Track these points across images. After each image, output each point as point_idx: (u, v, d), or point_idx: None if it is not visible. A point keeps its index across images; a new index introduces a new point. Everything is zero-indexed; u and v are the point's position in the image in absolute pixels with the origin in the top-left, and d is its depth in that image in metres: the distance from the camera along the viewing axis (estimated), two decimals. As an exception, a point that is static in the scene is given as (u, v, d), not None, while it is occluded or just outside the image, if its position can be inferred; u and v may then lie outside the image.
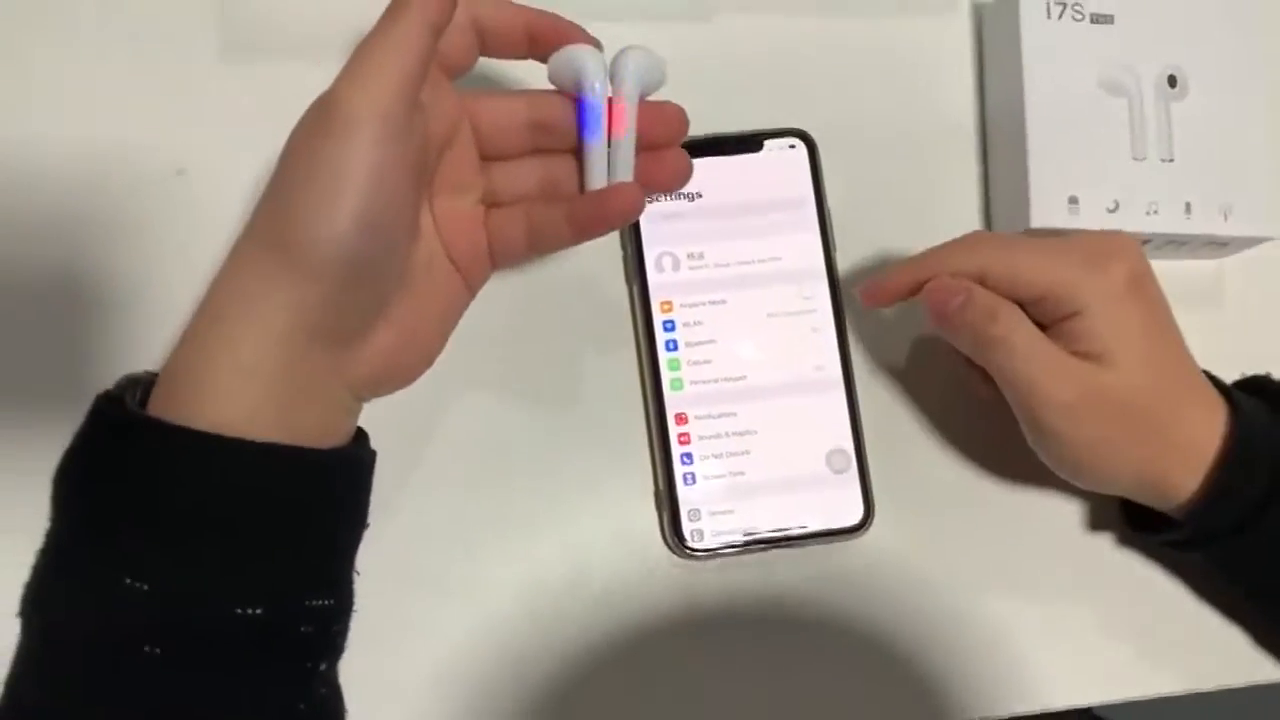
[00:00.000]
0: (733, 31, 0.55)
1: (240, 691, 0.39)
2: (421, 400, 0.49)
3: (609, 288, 0.51)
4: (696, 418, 0.50)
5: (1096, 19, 0.54)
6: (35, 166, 0.48)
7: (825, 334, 0.51)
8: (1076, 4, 0.53)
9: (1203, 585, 0.52)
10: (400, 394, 0.48)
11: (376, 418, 0.45)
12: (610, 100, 0.43)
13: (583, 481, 0.50)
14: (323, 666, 0.41)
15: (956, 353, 0.49)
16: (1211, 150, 0.54)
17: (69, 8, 0.50)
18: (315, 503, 0.40)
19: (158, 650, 0.37)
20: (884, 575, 0.51)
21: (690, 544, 0.48)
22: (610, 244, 0.52)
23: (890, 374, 0.53)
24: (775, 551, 0.49)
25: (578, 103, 0.43)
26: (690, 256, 0.51)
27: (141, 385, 0.41)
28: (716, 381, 0.50)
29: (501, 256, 0.45)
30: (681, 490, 0.49)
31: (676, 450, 0.49)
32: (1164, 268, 0.55)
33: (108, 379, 0.43)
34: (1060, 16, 0.53)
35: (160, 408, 0.39)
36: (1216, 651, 0.52)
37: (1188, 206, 0.53)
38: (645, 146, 0.44)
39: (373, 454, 0.44)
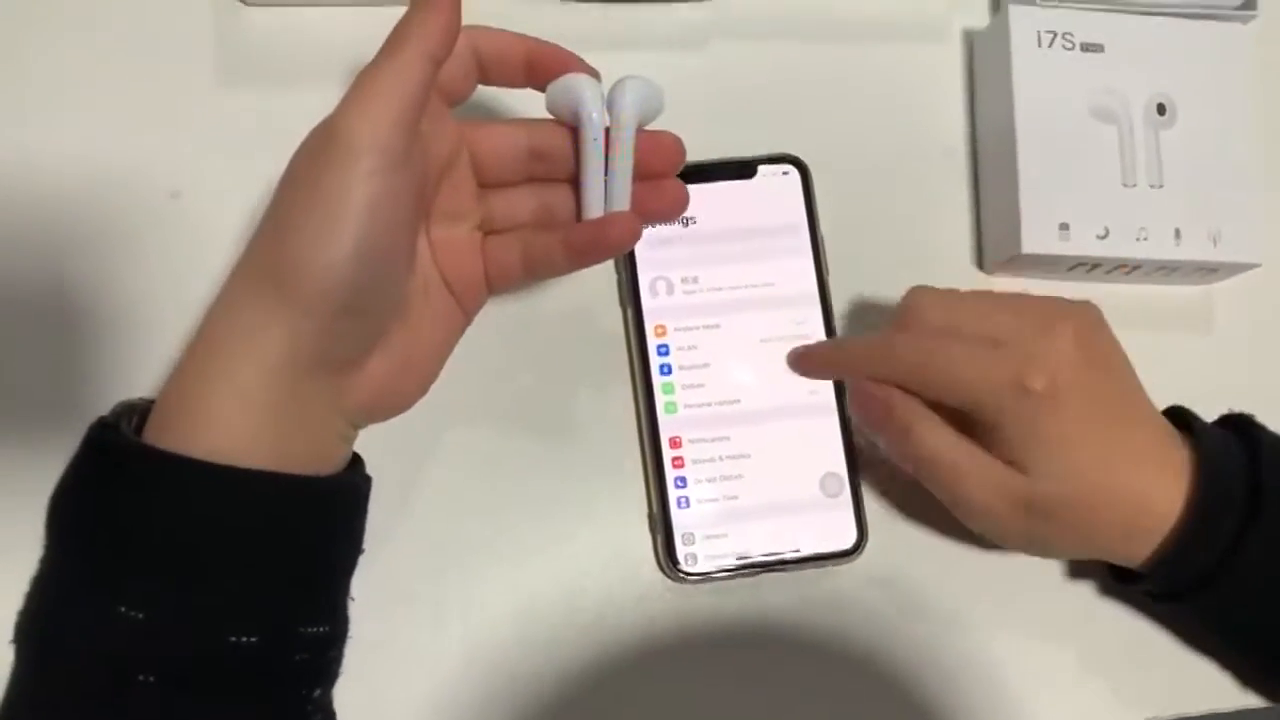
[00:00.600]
0: (726, 59, 0.56)
1: (234, 718, 0.39)
2: (415, 424, 0.49)
3: (603, 312, 0.52)
4: (690, 441, 0.50)
5: (1086, 48, 0.54)
6: (31, 187, 0.49)
7: (818, 358, 0.51)
8: (1067, 33, 0.54)
9: (1181, 621, 0.52)
10: (395, 419, 0.48)
11: (372, 443, 0.45)
12: (608, 129, 0.43)
13: (577, 505, 0.50)
14: (317, 693, 0.41)
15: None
16: (1200, 177, 0.54)
17: (66, 30, 0.50)
18: (311, 530, 0.40)
19: (152, 678, 0.37)
20: (876, 599, 0.51)
21: (684, 567, 0.49)
22: (605, 269, 0.52)
23: (883, 398, 0.53)
24: (768, 575, 0.50)
25: (575, 132, 0.43)
26: (684, 281, 0.51)
27: (137, 412, 0.41)
28: (710, 405, 0.50)
29: (498, 283, 0.45)
30: (675, 514, 0.49)
31: (670, 474, 0.49)
32: (1153, 293, 0.56)
33: (102, 400, 0.43)
34: (1051, 45, 0.54)
35: (156, 436, 0.39)
36: (1202, 680, 0.52)
37: (1177, 233, 0.53)
38: (642, 176, 0.44)
39: (368, 480, 0.44)
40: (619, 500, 0.50)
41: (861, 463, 0.51)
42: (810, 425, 0.51)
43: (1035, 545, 0.48)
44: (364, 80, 0.38)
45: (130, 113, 0.50)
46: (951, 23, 0.58)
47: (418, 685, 0.47)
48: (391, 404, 0.43)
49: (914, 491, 0.52)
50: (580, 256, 0.44)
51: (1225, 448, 0.46)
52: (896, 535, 0.51)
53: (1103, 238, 0.53)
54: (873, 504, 0.51)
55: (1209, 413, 0.49)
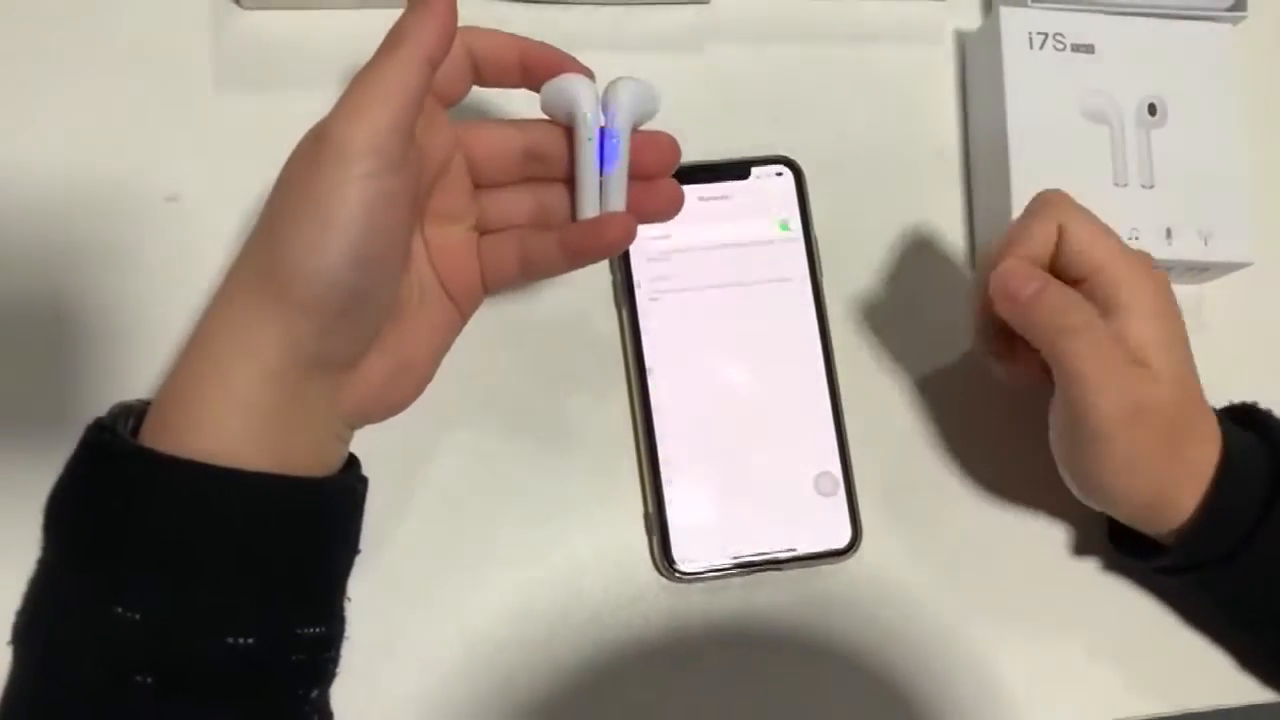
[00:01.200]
0: (721, 61, 0.56)
1: (231, 719, 0.39)
2: (412, 426, 0.49)
3: (599, 313, 0.52)
4: (685, 442, 0.50)
5: (1077, 49, 0.54)
6: (28, 191, 0.49)
7: (813, 358, 0.52)
8: (1058, 34, 0.54)
9: (1185, 608, 0.53)
10: (389, 421, 0.48)
11: (370, 445, 0.45)
12: (602, 130, 0.43)
13: (573, 506, 0.50)
14: (314, 694, 0.41)
15: (984, 336, 0.49)
16: (1191, 177, 0.54)
17: (63, 33, 0.50)
18: (307, 531, 0.40)
19: (149, 679, 0.37)
20: (871, 598, 0.51)
21: (680, 567, 0.49)
22: (600, 270, 0.52)
23: (877, 397, 0.53)
24: (764, 574, 0.50)
25: (570, 132, 0.43)
26: (679, 281, 0.51)
27: (134, 414, 0.41)
28: (705, 406, 0.50)
29: (494, 283, 0.45)
30: (671, 514, 0.49)
31: (666, 474, 0.49)
32: (1145, 293, 0.56)
33: (101, 402, 0.43)
34: (1042, 46, 0.54)
35: (152, 438, 0.39)
36: (1200, 674, 0.52)
37: (1168, 232, 0.54)
38: (637, 175, 0.44)
39: (364, 481, 0.44)
40: (615, 500, 0.50)
41: (855, 462, 0.51)
42: (804, 425, 0.51)
43: (1131, 462, 0.46)
44: (360, 84, 0.38)
45: (127, 116, 0.50)
46: (943, 24, 0.58)
47: (416, 685, 0.47)
48: (388, 405, 0.43)
49: (908, 490, 0.52)
50: (576, 257, 0.44)
51: (1240, 434, 0.48)
52: (891, 534, 0.51)
53: (1094, 237, 0.53)
54: (867, 503, 0.51)
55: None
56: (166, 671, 0.38)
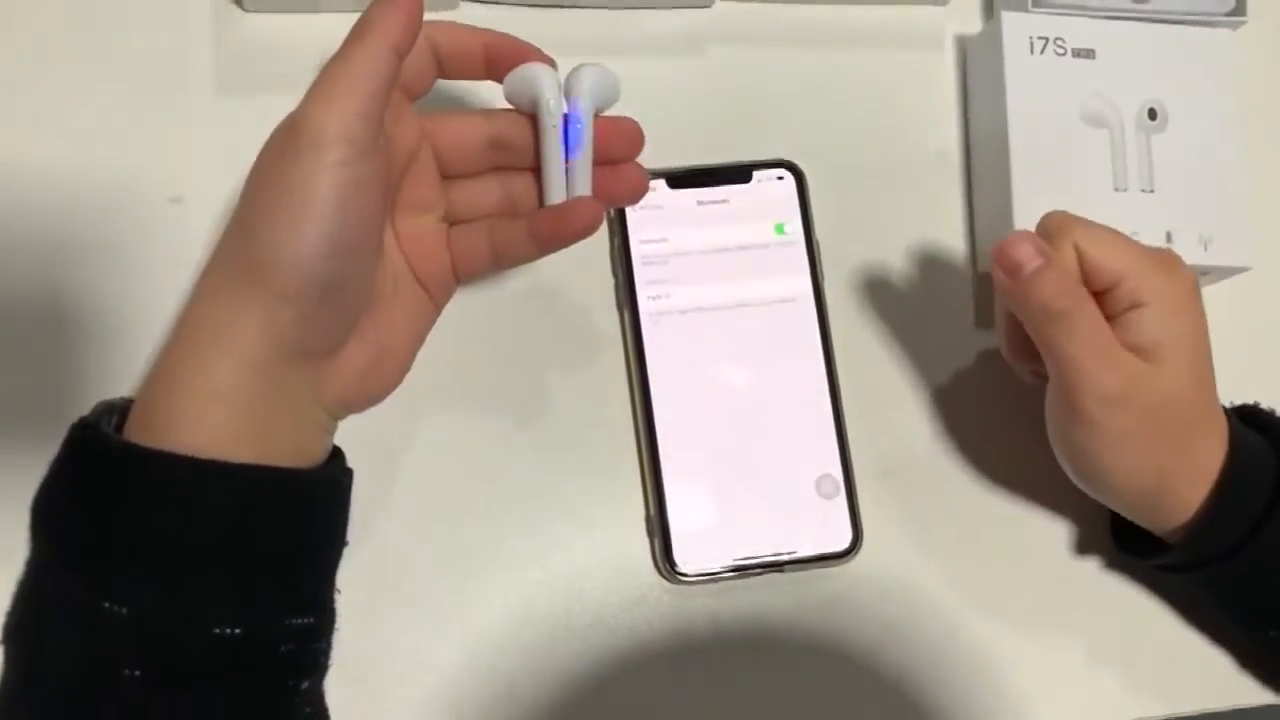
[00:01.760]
0: (722, 65, 0.56)
1: (222, 712, 0.39)
2: (413, 427, 0.49)
3: (600, 316, 0.52)
4: (687, 444, 0.50)
5: (1078, 53, 0.55)
6: (32, 193, 0.49)
7: (814, 361, 0.52)
8: (1059, 39, 0.54)
9: (1186, 609, 0.53)
10: (392, 422, 0.48)
11: (370, 448, 0.45)
12: (566, 116, 0.44)
13: (575, 508, 0.50)
14: (305, 685, 0.41)
15: (1010, 338, 0.49)
16: (1191, 181, 0.54)
17: (67, 38, 0.51)
18: (292, 522, 0.40)
19: (137, 673, 0.37)
20: (872, 600, 0.51)
21: (681, 570, 0.49)
22: (602, 274, 0.52)
23: (878, 399, 0.53)
24: (765, 577, 0.50)
25: (534, 120, 0.44)
26: (680, 284, 0.51)
27: (117, 411, 0.41)
28: (707, 409, 0.51)
29: (465, 273, 0.46)
30: (672, 516, 0.49)
31: (667, 476, 0.49)
32: (1146, 296, 0.57)
33: (101, 405, 0.43)
34: (1042, 51, 0.54)
35: (135, 434, 0.39)
36: (1200, 675, 0.53)
37: (1168, 236, 0.54)
38: (603, 161, 0.44)
39: (349, 473, 0.44)
40: (616, 503, 0.50)
41: (856, 464, 0.51)
42: (806, 427, 0.51)
43: (1124, 448, 0.46)
44: (329, 73, 0.39)
45: (130, 118, 0.50)
46: (944, 29, 0.58)
47: (418, 688, 0.47)
48: (369, 393, 0.44)
49: (909, 492, 0.52)
50: (545, 243, 0.44)
51: (1246, 433, 0.48)
52: (892, 536, 0.51)
53: (1095, 241, 0.53)
54: (868, 505, 0.51)
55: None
56: (155, 664, 0.38)
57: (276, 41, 0.52)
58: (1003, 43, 0.54)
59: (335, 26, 0.41)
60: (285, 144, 0.39)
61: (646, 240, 0.52)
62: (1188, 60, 0.56)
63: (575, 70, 0.44)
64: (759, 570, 0.49)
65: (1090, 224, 0.47)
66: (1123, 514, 0.49)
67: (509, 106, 0.45)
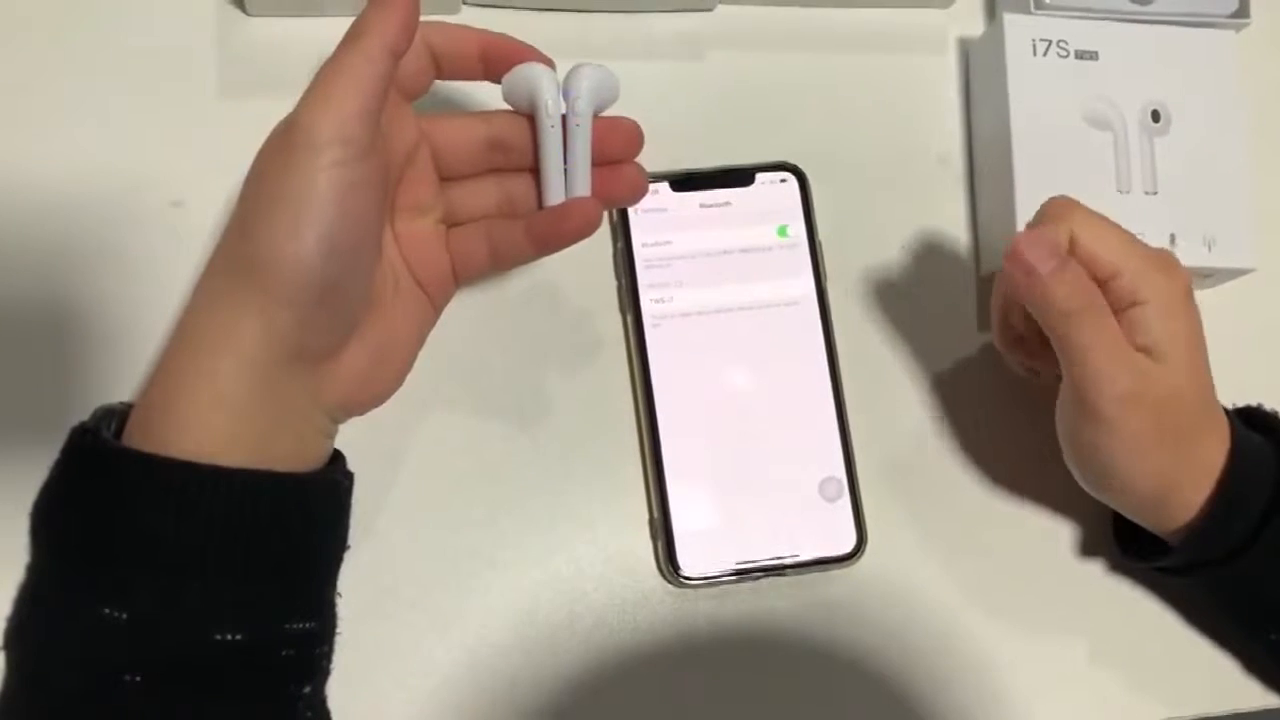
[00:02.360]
0: (725, 68, 0.56)
1: (223, 716, 0.39)
2: (416, 430, 0.49)
3: (603, 319, 0.52)
4: (690, 447, 0.50)
5: (1081, 55, 0.55)
6: (34, 196, 0.49)
7: (817, 363, 0.52)
8: (1061, 41, 0.54)
9: (1190, 612, 0.53)
10: (395, 425, 0.48)
11: (373, 451, 0.45)
12: (564, 117, 0.44)
13: (577, 510, 0.50)
14: (306, 690, 0.41)
15: (1003, 328, 0.49)
16: (1194, 183, 0.54)
17: (69, 41, 0.51)
18: (293, 527, 0.40)
19: (138, 678, 0.37)
20: (876, 603, 0.51)
21: (685, 572, 0.49)
22: (605, 277, 0.52)
23: (882, 402, 0.53)
24: (768, 580, 0.50)
25: (532, 121, 0.44)
26: (684, 287, 0.51)
27: (116, 416, 0.41)
28: (710, 411, 0.51)
29: (464, 275, 0.46)
30: (676, 519, 0.49)
31: (671, 479, 0.49)
32: (1149, 298, 0.57)
33: (105, 410, 0.43)
34: (1045, 53, 0.54)
35: (135, 439, 0.39)
36: (1203, 678, 0.53)
37: (1172, 238, 0.54)
38: (601, 161, 0.44)
39: (350, 476, 0.44)
40: (619, 505, 0.50)
41: (860, 467, 0.51)
42: (809, 430, 0.51)
43: (1133, 447, 0.46)
44: (325, 74, 0.39)
45: (133, 121, 0.50)
46: (947, 32, 0.58)
47: (420, 691, 0.47)
48: (369, 397, 0.44)
49: (913, 495, 0.52)
50: (544, 243, 0.44)
51: (1248, 434, 0.48)
52: (896, 539, 0.51)
53: (1098, 243, 0.53)
54: (872, 508, 0.51)
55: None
56: (155, 670, 0.38)
57: (279, 44, 0.52)
58: (1005, 45, 0.54)
59: (338, 29, 0.41)
60: (282, 146, 0.39)
61: (649, 243, 0.52)
62: (1191, 62, 0.55)
63: (574, 70, 0.44)
64: (762, 573, 0.49)
65: (1090, 213, 0.47)
66: (1127, 515, 0.49)
67: (507, 107, 0.45)
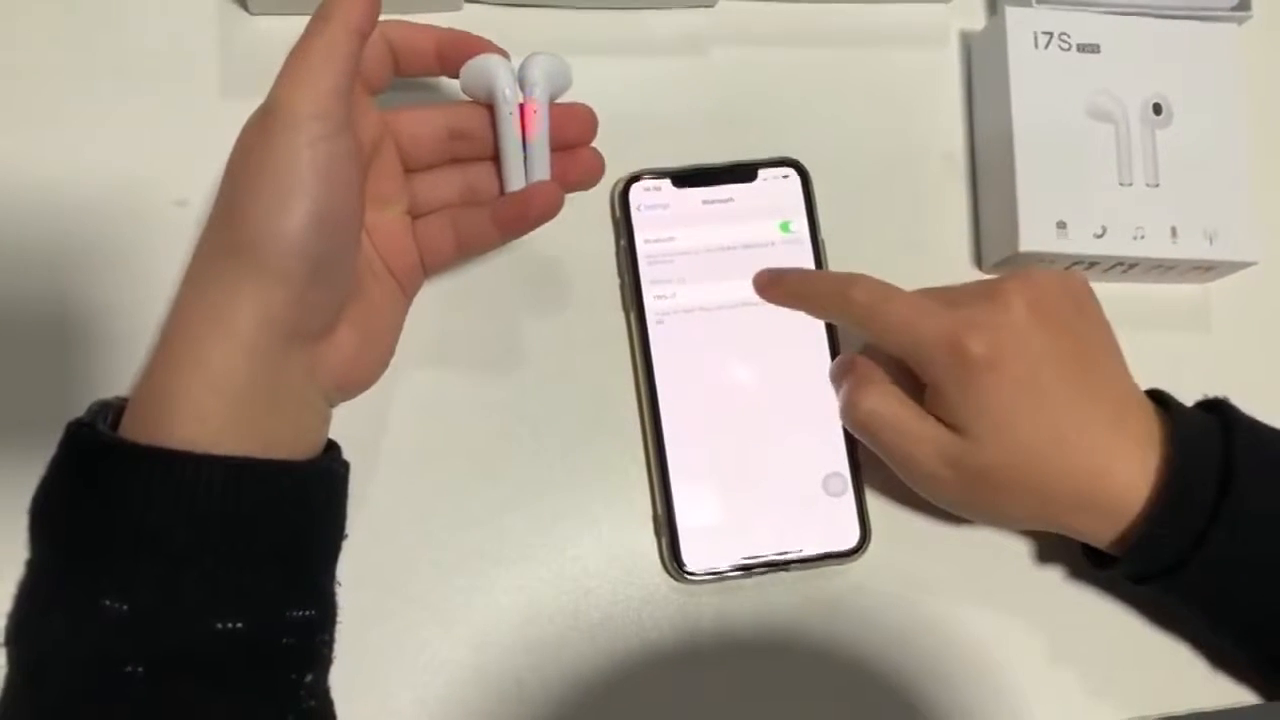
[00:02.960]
0: (726, 64, 0.56)
1: (226, 705, 0.39)
2: (420, 428, 0.49)
3: (606, 315, 0.52)
4: (694, 443, 0.50)
5: (1083, 48, 0.55)
6: (38, 196, 0.49)
7: (820, 359, 0.52)
8: (1063, 33, 0.54)
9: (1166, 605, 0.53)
10: (399, 423, 0.49)
11: (376, 449, 0.45)
12: (522, 105, 0.45)
13: (582, 508, 0.50)
14: (309, 678, 0.41)
15: None
16: (1196, 176, 0.54)
17: (72, 42, 0.51)
18: (292, 514, 0.41)
19: (140, 669, 0.37)
20: (880, 599, 0.51)
21: (689, 569, 0.49)
22: (608, 274, 0.52)
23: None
24: (772, 575, 0.50)
25: (491, 110, 0.45)
26: (686, 283, 0.52)
27: (112, 410, 0.41)
28: (714, 408, 0.51)
29: (432, 264, 0.47)
30: (680, 515, 0.49)
31: (675, 476, 0.49)
32: (1150, 292, 0.57)
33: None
34: (1047, 46, 0.54)
35: (133, 428, 0.40)
36: (1205, 675, 0.52)
37: (1174, 231, 0.54)
38: (559, 147, 0.46)
39: (346, 465, 0.45)
40: (624, 502, 0.50)
41: (864, 462, 0.51)
42: (813, 426, 0.51)
43: (983, 513, 0.49)
44: (296, 55, 0.40)
45: (136, 121, 0.50)
46: (948, 26, 0.58)
47: (425, 689, 0.47)
48: (359, 377, 0.45)
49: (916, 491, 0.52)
50: (508, 228, 0.46)
51: (1200, 427, 0.46)
52: (899, 535, 0.51)
53: (1100, 236, 0.53)
54: (875, 504, 0.51)
55: (1207, 410, 0.50)
56: (157, 660, 0.38)
57: (281, 43, 0.51)
58: (1007, 38, 0.54)
59: (339, 28, 0.41)
60: (262, 128, 0.40)
61: (652, 240, 0.52)
62: (1193, 55, 0.55)
63: (528, 59, 0.45)
64: (766, 569, 0.49)
65: (878, 293, 0.47)
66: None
67: (465, 99, 0.46)
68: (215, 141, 0.50)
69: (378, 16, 0.41)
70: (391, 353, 0.46)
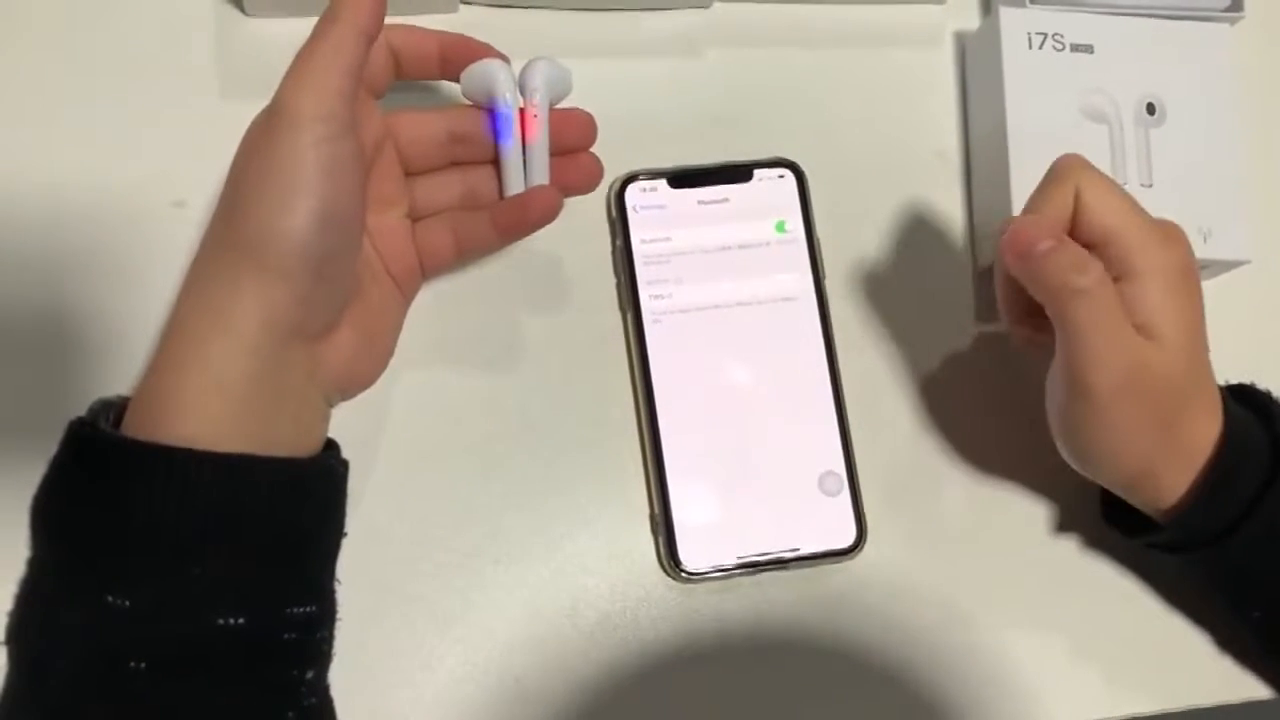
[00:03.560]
0: (722, 65, 0.56)
1: (227, 701, 0.39)
2: (418, 429, 0.50)
3: (603, 316, 0.52)
4: (691, 442, 0.50)
5: (1076, 48, 0.55)
6: (35, 198, 0.49)
7: (816, 358, 0.52)
8: (1057, 34, 0.55)
9: (1181, 602, 0.53)
10: (396, 423, 0.49)
11: (375, 448, 0.45)
12: (522, 109, 0.45)
13: (579, 507, 0.50)
14: (309, 675, 0.41)
15: (1008, 303, 0.48)
16: (1190, 175, 0.55)
17: (70, 43, 0.51)
18: (292, 512, 0.41)
19: (143, 665, 0.38)
20: (876, 596, 0.51)
21: (686, 567, 0.49)
22: (604, 274, 0.52)
23: (881, 396, 0.54)
24: (769, 574, 0.50)
25: (491, 114, 0.46)
26: (683, 283, 0.52)
27: (114, 408, 0.41)
28: (710, 407, 0.51)
29: (431, 267, 0.48)
30: (677, 514, 0.49)
31: (671, 475, 0.50)
32: (1146, 291, 0.57)
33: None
34: (1041, 46, 0.54)
35: (135, 425, 0.40)
36: (1205, 671, 0.53)
37: (1167, 231, 0.54)
38: (558, 151, 0.46)
39: (345, 463, 0.45)
40: (621, 501, 0.50)
41: (859, 461, 0.51)
42: (808, 425, 0.51)
43: (1120, 429, 0.45)
44: (303, 57, 0.40)
45: (134, 122, 0.51)
46: (943, 26, 0.59)
47: (422, 688, 0.47)
48: (359, 377, 0.45)
49: (912, 489, 0.53)
50: (508, 232, 0.46)
51: (1242, 414, 0.48)
52: (895, 533, 0.52)
53: (1095, 236, 0.53)
54: (871, 502, 0.51)
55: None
56: (159, 656, 0.38)
57: (278, 44, 0.51)
58: (1001, 38, 0.54)
59: (336, 30, 0.41)
60: (267, 128, 0.40)
61: (648, 240, 0.52)
62: (1186, 55, 0.56)
63: (528, 64, 0.46)
64: (763, 567, 0.50)
65: (1098, 174, 0.46)
66: (1114, 492, 0.49)
67: (466, 103, 0.46)
68: (213, 142, 0.50)
69: (383, 19, 0.41)
70: (390, 353, 0.47)
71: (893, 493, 0.52)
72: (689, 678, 0.49)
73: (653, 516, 0.50)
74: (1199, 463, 0.46)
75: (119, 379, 0.47)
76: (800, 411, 0.51)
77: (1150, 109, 0.55)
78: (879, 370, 0.54)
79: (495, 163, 0.47)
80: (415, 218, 0.47)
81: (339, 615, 0.43)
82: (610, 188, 0.52)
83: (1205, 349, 0.47)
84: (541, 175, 0.46)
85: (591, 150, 0.47)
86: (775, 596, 0.50)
